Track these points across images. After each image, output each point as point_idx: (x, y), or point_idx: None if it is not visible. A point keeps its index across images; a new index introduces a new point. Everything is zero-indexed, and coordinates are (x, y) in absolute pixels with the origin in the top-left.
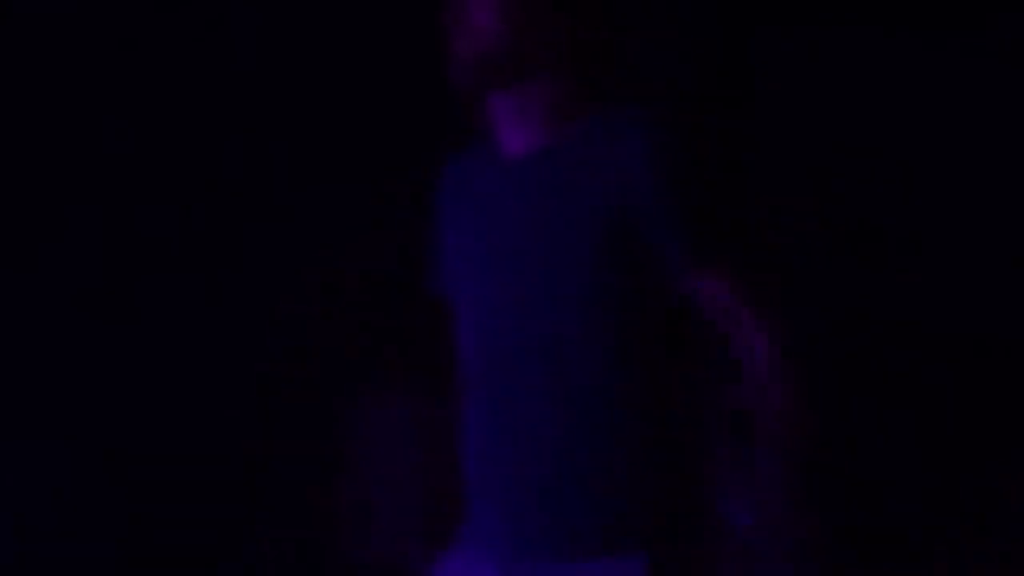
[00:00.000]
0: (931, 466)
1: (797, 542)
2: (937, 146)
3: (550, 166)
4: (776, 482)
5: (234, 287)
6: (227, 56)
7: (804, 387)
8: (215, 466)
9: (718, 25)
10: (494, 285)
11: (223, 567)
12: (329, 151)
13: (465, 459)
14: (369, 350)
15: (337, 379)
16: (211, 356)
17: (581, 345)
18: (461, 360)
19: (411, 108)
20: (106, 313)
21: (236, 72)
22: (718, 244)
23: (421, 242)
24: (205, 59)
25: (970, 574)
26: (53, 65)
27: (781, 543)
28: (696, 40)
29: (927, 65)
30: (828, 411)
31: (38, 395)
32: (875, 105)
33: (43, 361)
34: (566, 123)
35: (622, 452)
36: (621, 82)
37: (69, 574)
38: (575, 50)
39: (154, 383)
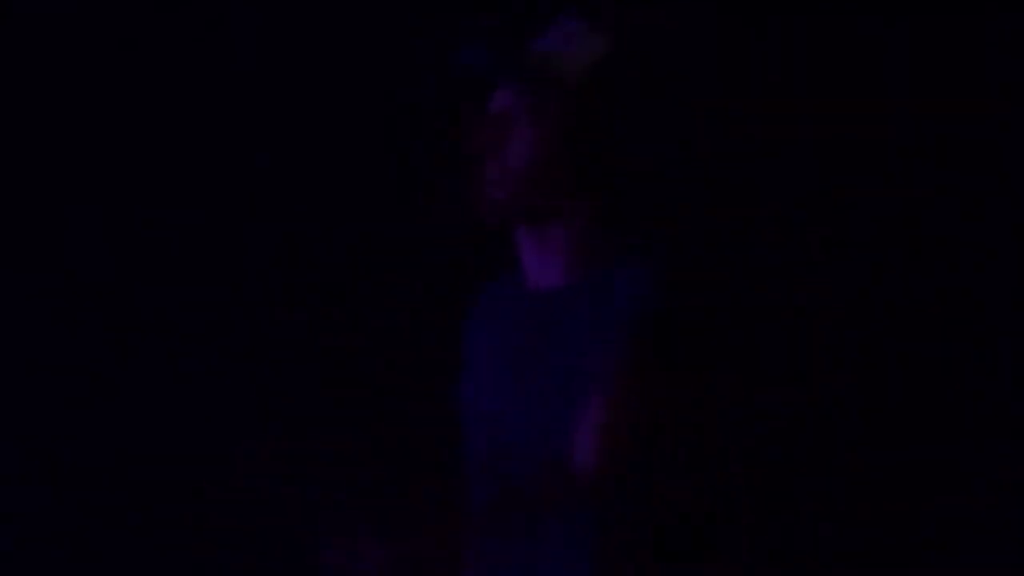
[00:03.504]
0: (929, 465)
1: None
2: (937, 142)
3: (559, 309)
4: None
5: (234, 288)
6: (227, 56)
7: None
8: (218, 467)
9: (717, 17)
10: (493, 407)
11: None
12: (330, 152)
13: None
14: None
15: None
16: (212, 357)
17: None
18: (469, 495)
19: (413, 111)
20: (106, 313)
21: (236, 72)
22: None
23: (423, 246)
24: (205, 59)
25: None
26: (53, 65)
27: None
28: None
29: (928, 57)
30: (829, 406)
31: (37, 395)
32: (875, 99)
33: (42, 361)
34: (587, 260)
35: None
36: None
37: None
38: (601, 192)
39: (154, 384)
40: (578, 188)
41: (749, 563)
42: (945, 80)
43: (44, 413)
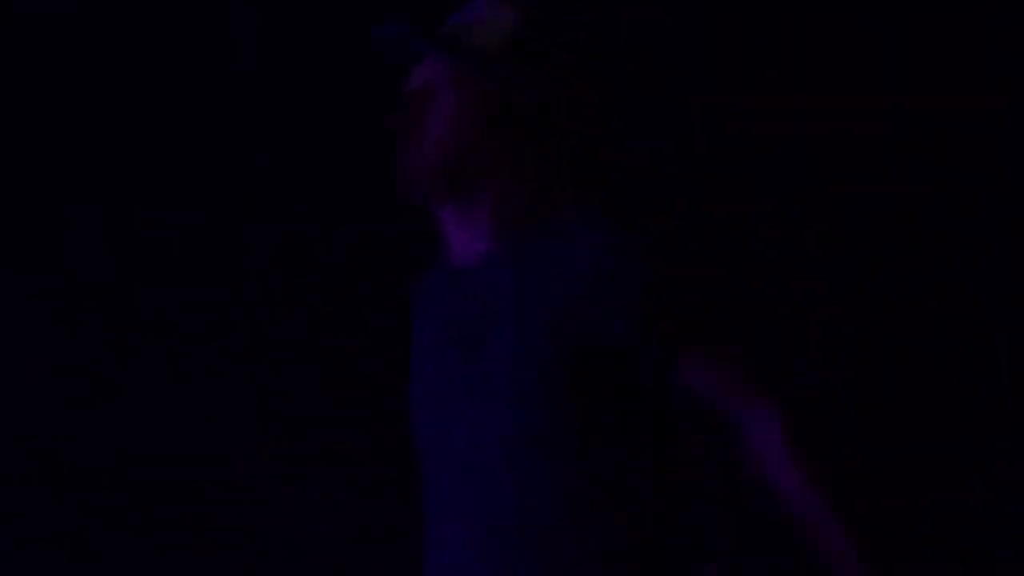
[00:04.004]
0: (925, 461)
1: None
2: (933, 137)
3: (498, 275)
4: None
5: (234, 288)
6: (227, 56)
7: (817, 462)
8: (218, 467)
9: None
10: (442, 392)
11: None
12: (330, 152)
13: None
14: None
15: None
16: (212, 357)
17: (537, 450)
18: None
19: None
20: (106, 313)
21: (236, 72)
22: (696, 338)
23: (424, 246)
24: (205, 59)
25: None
26: (53, 65)
27: None
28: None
29: (924, 53)
30: (831, 408)
31: (37, 395)
32: (871, 94)
33: (42, 361)
34: (517, 230)
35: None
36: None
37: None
38: (529, 166)
39: (154, 384)
40: (501, 157)
41: (744, 561)
42: (942, 75)
43: (44, 413)
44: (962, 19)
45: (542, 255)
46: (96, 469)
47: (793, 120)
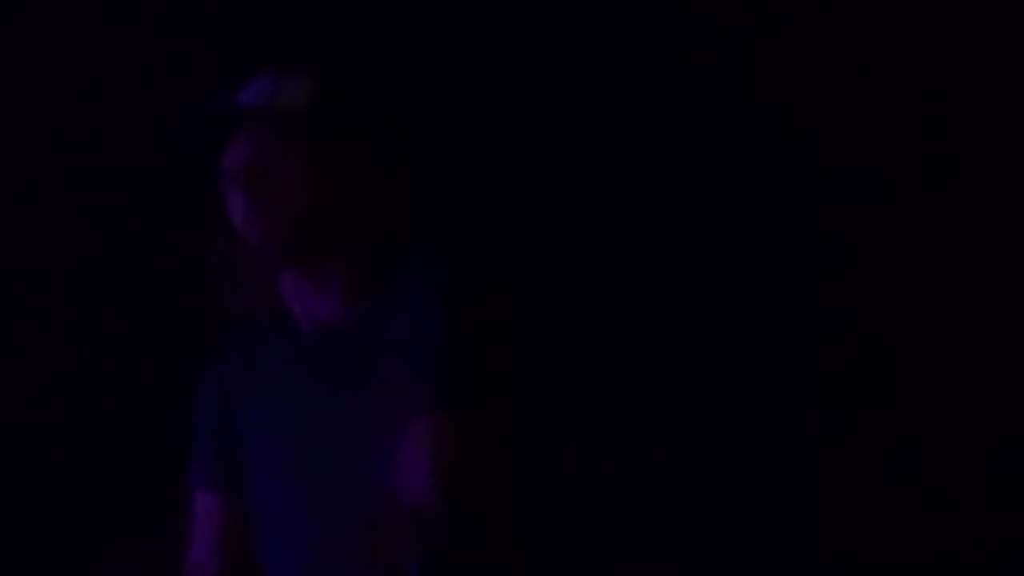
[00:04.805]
0: (932, 464)
1: None
2: (936, 136)
3: (351, 344)
4: None
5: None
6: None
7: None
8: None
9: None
10: (296, 476)
11: None
12: None
13: None
14: None
15: None
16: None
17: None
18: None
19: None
20: (106, 313)
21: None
22: (454, 405)
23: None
24: (207, 59)
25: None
26: (53, 65)
27: None
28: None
29: (926, 50)
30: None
31: (38, 394)
32: (873, 91)
33: (42, 361)
34: (366, 293)
35: None
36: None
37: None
38: (380, 227)
39: (154, 383)
40: (350, 217)
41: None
42: (942, 75)
43: (44, 413)
44: (962, 19)
45: (389, 323)
46: (96, 469)
47: (794, 120)
